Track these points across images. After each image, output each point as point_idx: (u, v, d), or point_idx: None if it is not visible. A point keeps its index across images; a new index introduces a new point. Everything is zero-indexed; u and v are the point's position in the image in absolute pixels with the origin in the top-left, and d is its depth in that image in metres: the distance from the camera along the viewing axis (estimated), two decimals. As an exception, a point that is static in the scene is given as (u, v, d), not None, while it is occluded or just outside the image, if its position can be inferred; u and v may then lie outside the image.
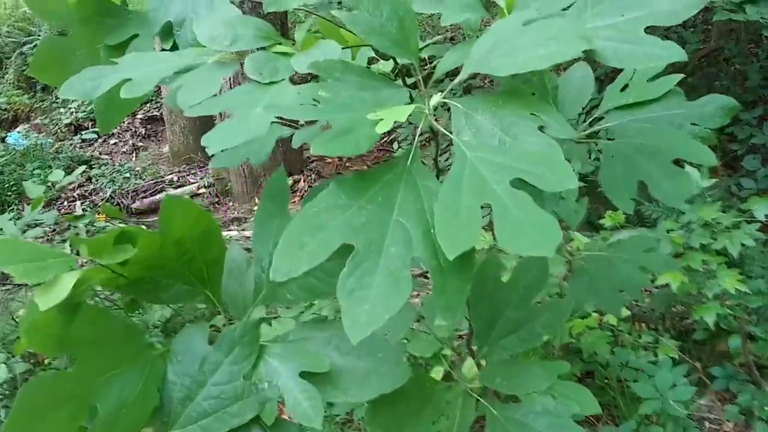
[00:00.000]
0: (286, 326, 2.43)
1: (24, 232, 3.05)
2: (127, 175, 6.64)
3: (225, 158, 0.94)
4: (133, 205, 6.27)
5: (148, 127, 7.85)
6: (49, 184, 3.27)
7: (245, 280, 1.19)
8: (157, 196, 6.40)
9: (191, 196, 6.33)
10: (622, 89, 1.39)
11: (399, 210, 0.89)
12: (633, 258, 1.98)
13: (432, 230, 0.86)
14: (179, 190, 6.47)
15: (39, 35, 9.02)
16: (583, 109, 1.48)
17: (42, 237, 4.97)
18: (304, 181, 6.15)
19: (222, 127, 0.95)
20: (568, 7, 1.13)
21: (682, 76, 1.33)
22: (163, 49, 1.26)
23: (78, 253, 1.03)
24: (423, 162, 0.97)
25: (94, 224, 4.55)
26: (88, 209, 6.10)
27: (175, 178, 6.77)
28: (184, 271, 1.12)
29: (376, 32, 1.02)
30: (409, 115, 0.94)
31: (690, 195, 1.21)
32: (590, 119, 1.44)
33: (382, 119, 0.90)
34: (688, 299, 3.35)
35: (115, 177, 6.52)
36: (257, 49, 1.09)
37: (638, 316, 3.64)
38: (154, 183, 6.64)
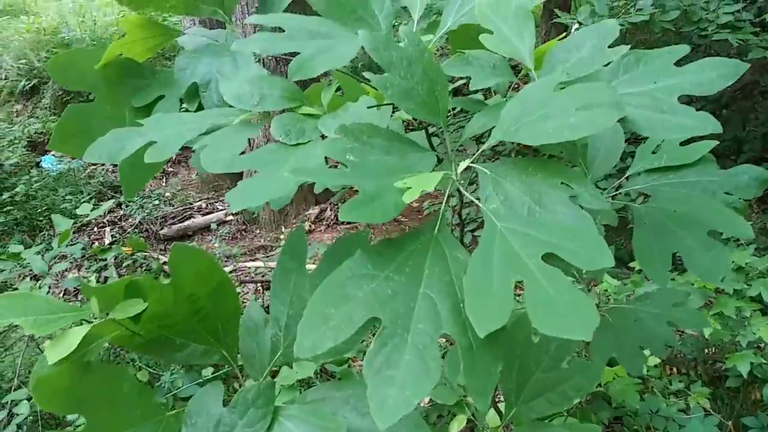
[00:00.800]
0: (308, 369, 2.41)
1: (50, 266, 3.08)
2: (157, 201, 6.73)
3: (244, 201, 0.94)
4: (162, 232, 6.34)
5: (179, 152, 7.96)
6: (79, 215, 3.29)
7: (262, 339, 1.18)
8: (185, 223, 6.47)
9: (219, 223, 6.38)
10: (654, 151, 1.37)
11: (426, 282, 0.87)
12: (661, 312, 1.93)
13: (461, 304, 0.84)
14: (207, 217, 6.52)
15: (76, 62, 9.24)
16: (613, 168, 1.46)
17: (71, 266, 5.05)
18: (330, 209, 6.17)
19: (246, 185, 0.95)
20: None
21: (716, 142, 1.31)
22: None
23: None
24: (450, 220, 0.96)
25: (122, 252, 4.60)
26: (118, 235, 6.17)
27: (204, 205, 6.84)
28: (198, 330, 1.11)
29: (407, 96, 1.01)
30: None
31: (728, 272, 1.17)
32: (621, 180, 1.41)
33: (409, 187, 0.89)
34: (722, 343, 3.26)
35: (144, 203, 6.61)
36: (283, 110, 1.09)
37: (669, 359, 3.56)
38: (183, 209, 6.72)
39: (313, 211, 6.15)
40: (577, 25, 3.58)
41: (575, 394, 1.34)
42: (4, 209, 6.05)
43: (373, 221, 0.84)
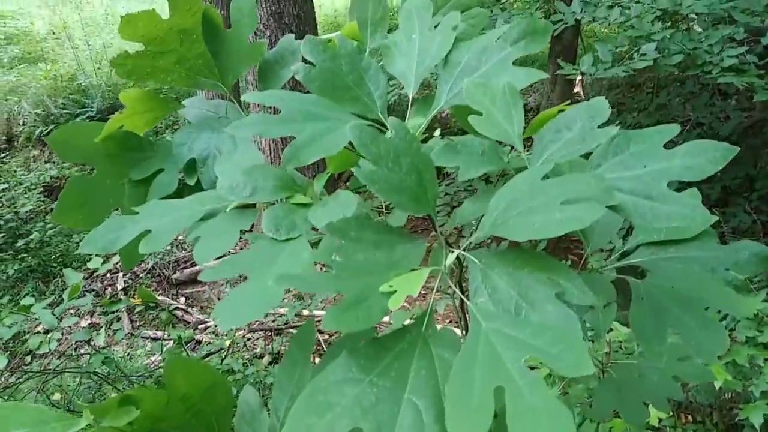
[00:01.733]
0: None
1: (60, 319, 3.11)
2: (169, 246, 6.78)
3: (233, 319, 0.94)
4: (174, 276, 6.37)
5: (191, 195, 8.05)
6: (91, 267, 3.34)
7: (258, 426, 1.17)
8: (197, 267, 6.48)
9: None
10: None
11: (411, 386, 0.86)
12: (665, 368, 1.90)
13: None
14: (221, 259, 6.53)
15: (92, 107, 9.44)
16: (618, 235, 1.45)
17: (83, 313, 5.08)
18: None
19: (234, 299, 0.95)
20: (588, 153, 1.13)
21: (716, 218, 1.30)
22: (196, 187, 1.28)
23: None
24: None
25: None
26: (131, 281, 6.21)
27: (215, 249, 6.86)
28: (192, 423, 1.10)
29: (396, 189, 1.01)
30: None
31: (725, 350, 1.15)
32: (620, 252, 1.40)
33: (395, 291, 0.88)
34: (736, 390, 3.20)
35: (157, 248, 6.64)
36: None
37: (684, 406, 3.48)
38: (194, 253, 6.74)
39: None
40: (580, 76, 3.58)
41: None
42: (19, 256, 6.13)
43: (358, 328, 0.84)
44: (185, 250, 6.83)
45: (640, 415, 1.90)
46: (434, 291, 0.99)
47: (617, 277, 1.36)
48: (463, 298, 0.95)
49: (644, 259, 1.35)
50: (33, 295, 5.62)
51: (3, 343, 4.39)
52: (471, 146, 1.14)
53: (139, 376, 3.66)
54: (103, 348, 4.43)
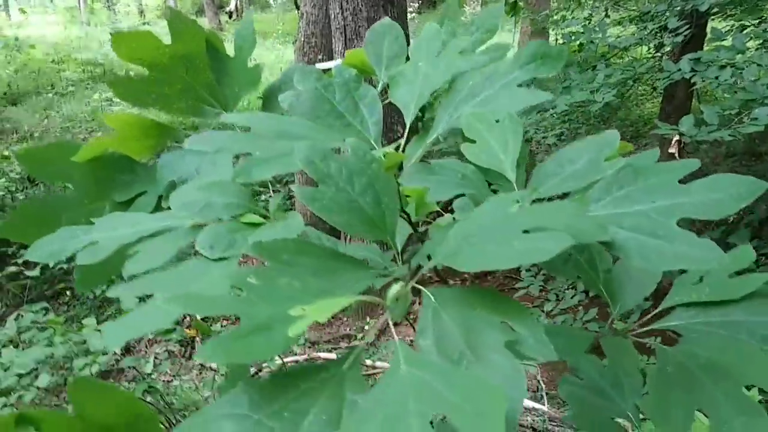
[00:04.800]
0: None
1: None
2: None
3: (116, 339, 0.83)
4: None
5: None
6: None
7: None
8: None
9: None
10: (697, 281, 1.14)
11: (304, 432, 0.71)
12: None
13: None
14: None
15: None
16: (646, 299, 1.22)
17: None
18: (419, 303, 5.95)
19: (127, 319, 0.84)
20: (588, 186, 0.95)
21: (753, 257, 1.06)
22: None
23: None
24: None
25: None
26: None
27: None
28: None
29: (342, 209, 0.89)
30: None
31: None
32: (650, 314, 1.18)
33: (306, 315, 0.75)
34: None
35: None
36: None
37: None
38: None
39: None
40: (678, 137, 3.25)
41: None
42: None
43: (250, 360, 0.70)
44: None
45: None
46: (375, 325, 0.85)
47: (640, 342, 1.13)
48: (396, 338, 0.80)
49: (681, 322, 1.12)
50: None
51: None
52: (449, 169, 0.99)
53: (179, 411, 3.59)
54: (174, 376, 4.36)
